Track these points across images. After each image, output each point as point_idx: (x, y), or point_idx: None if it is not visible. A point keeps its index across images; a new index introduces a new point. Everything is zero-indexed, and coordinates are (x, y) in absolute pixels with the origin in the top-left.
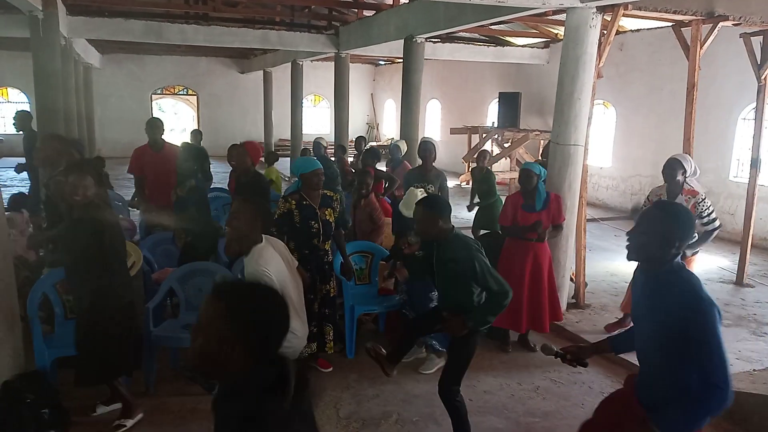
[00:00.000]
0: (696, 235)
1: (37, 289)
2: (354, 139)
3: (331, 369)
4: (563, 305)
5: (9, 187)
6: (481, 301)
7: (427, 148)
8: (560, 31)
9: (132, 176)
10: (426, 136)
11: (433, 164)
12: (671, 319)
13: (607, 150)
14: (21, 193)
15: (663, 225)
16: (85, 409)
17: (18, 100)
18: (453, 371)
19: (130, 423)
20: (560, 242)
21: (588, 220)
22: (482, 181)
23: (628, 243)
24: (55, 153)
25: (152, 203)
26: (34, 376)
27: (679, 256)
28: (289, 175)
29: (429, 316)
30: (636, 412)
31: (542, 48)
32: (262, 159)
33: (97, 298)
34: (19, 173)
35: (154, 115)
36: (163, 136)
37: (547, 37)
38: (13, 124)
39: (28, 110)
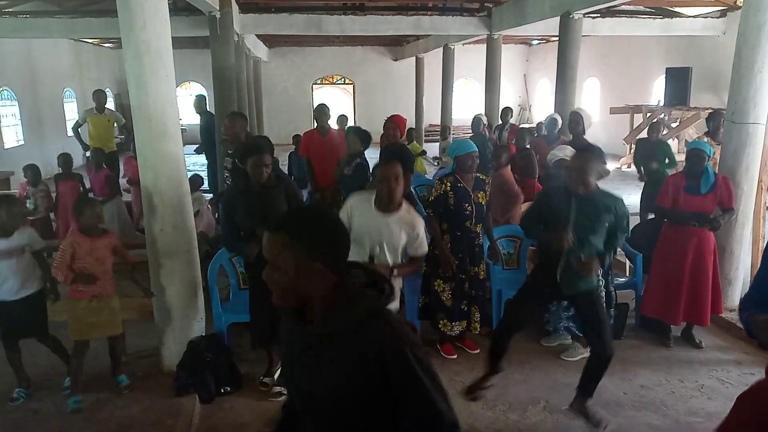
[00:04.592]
0: None
1: (216, 261)
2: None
3: (478, 351)
4: (735, 300)
5: (190, 171)
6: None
7: (573, 119)
8: None
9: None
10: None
11: (584, 137)
12: None
13: None
14: (196, 175)
15: None
16: (255, 372)
17: (197, 93)
18: (608, 329)
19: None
20: (734, 231)
21: None
22: (659, 153)
23: None
24: (241, 129)
25: (318, 184)
26: (213, 338)
27: None
28: (438, 159)
29: (530, 292)
30: None
31: (717, 17)
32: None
33: None
34: (199, 154)
35: (321, 103)
36: (329, 122)
37: (723, 4)
38: (194, 107)
39: (204, 95)
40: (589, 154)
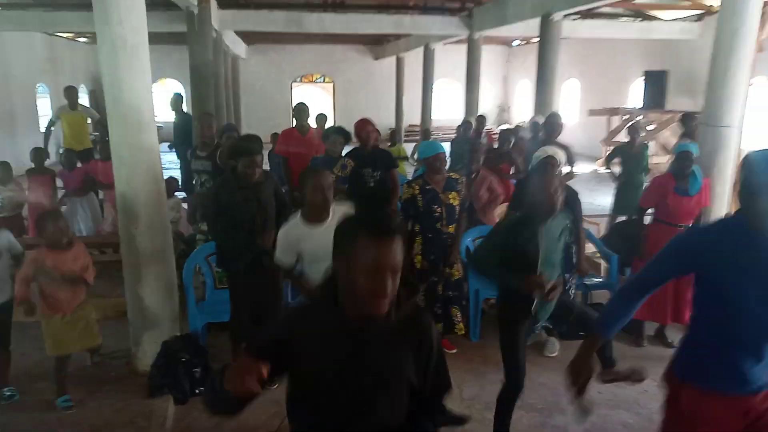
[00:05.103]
0: None
1: (191, 260)
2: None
3: (455, 351)
4: None
5: (167, 169)
6: None
7: (555, 121)
8: (715, 2)
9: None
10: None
11: (557, 140)
12: None
13: (765, 132)
14: (172, 177)
15: None
16: None
17: (173, 90)
18: (585, 311)
19: None
20: None
21: None
22: (641, 157)
23: None
24: (214, 130)
25: (296, 183)
26: (188, 338)
27: None
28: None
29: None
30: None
31: (694, 21)
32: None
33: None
34: (171, 150)
35: (301, 101)
36: (309, 121)
37: (700, 9)
38: (170, 105)
39: (181, 93)
40: (553, 167)
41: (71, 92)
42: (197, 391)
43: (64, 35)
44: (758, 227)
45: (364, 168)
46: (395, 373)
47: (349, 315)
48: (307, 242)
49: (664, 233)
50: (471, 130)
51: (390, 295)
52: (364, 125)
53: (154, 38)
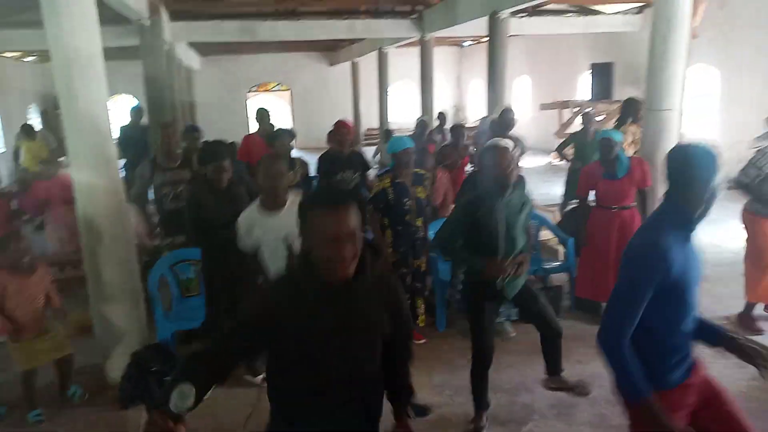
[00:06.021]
0: None
1: (156, 270)
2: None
3: (424, 341)
4: None
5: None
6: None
7: (506, 117)
8: None
9: None
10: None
11: (511, 133)
12: None
13: (710, 117)
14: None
15: None
16: None
17: (128, 106)
18: (551, 309)
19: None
20: (653, 210)
21: None
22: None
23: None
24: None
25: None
26: (157, 347)
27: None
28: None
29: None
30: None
31: (635, 14)
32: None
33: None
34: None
35: (262, 106)
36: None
37: (640, 1)
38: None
39: (140, 106)
40: (505, 145)
41: (26, 129)
42: None
43: (10, 55)
44: (694, 213)
45: (343, 171)
46: (375, 325)
47: (327, 280)
48: (260, 228)
49: (601, 215)
50: (427, 129)
51: (349, 259)
52: (339, 127)
53: (107, 54)
